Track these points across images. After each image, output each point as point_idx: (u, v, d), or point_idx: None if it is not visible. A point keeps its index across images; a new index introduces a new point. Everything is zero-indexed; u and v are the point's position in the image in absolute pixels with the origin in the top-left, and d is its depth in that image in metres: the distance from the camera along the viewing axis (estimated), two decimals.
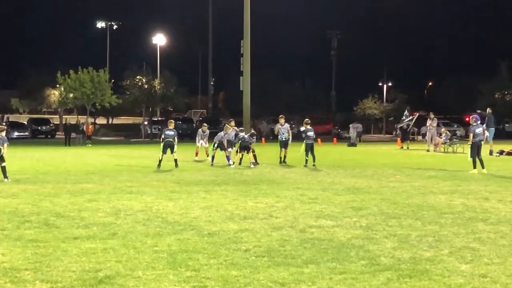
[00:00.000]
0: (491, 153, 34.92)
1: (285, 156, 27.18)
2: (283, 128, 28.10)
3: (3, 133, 20.17)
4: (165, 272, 8.10)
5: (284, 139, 27.44)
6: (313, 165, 25.33)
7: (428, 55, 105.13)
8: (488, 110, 37.25)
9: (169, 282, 7.63)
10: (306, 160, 25.26)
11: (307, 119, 26.89)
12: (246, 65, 56.82)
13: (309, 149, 25.47)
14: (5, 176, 19.29)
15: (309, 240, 10.26)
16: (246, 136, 26.68)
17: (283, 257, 8.98)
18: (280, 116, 29.17)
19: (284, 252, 9.35)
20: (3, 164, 19.55)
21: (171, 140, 24.73)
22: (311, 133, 25.88)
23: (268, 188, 17.59)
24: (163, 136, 25.39)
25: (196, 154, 29.98)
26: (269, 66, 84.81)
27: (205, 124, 32.31)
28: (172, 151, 24.65)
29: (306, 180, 20.14)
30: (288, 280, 7.73)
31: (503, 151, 35.05)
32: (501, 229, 11.18)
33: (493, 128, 36.61)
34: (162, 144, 24.90)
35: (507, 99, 77.71)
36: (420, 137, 55.50)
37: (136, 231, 11.00)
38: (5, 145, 19.72)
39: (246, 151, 26.22)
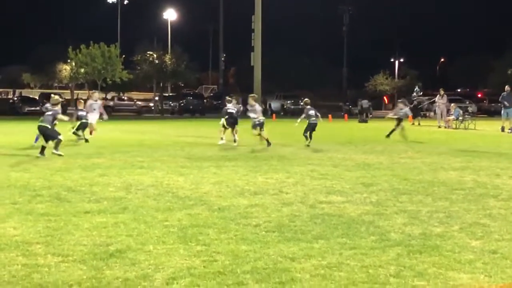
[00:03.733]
0: (502, 129, 34.82)
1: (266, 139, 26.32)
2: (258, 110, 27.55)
3: (58, 107, 19.90)
4: (175, 246, 8.13)
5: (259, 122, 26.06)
6: (307, 145, 23.69)
7: (441, 31, 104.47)
8: (507, 87, 36.97)
9: (180, 256, 7.66)
10: (306, 137, 24.11)
11: (306, 99, 25.71)
12: (257, 41, 56.70)
13: (310, 129, 24.34)
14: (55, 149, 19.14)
15: (319, 215, 10.27)
16: (233, 108, 25.26)
17: (293, 232, 9.00)
18: (251, 95, 28.46)
19: (294, 227, 9.36)
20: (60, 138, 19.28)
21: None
22: (312, 112, 24.48)
23: (278, 164, 17.59)
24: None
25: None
26: (280, 42, 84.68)
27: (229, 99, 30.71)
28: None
29: (317, 156, 20.12)
30: (298, 255, 7.75)
31: None
32: None
33: (510, 107, 36.24)
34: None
35: None
36: (431, 114, 55.33)
37: (147, 205, 11.03)
38: (59, 116, 19.71)
39: (232, 127, 24.72)
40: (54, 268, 7.12)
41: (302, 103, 25.75)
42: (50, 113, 19.39)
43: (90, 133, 26.02)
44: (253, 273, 6.99)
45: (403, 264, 7.38)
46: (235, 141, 24.36)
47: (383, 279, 6.85)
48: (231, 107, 25.16)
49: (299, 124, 24.62)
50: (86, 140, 24.50)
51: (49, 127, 19.05)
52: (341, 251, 7.97)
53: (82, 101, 26.89)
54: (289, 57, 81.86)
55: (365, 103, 53.85)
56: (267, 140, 23.53)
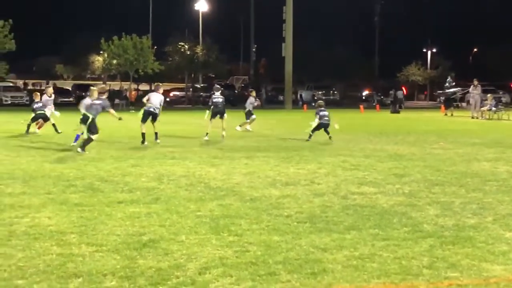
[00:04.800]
0: None
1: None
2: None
3: (104, 96, 19.03)
4: (207, 236, 8.17)
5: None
6: (329, 137, 22.36)
7: (476, 20, 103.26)
8: None
9: (212, 246, 7.70)
10: (310, 136, 23.64)
11: (320, 101, 25.05)
12: (288, 32, 56.65)
13: (323, 127, 22.58)
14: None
15: (351, 206, 10.25)
16: (220, 97, 23.32)
17: (325, 223, 9.00)
18: (251, 89, 28.77)
19: (326, 218, 9.35)
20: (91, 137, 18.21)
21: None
22: (325, 113, 23.67)
23: (309, 155, 17.57)
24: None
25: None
26: (312, 32, 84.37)
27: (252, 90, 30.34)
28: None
29: (348, 147, 20.06)
30: (330, 246, 7.74)
31: None
32: None
33: None
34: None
35: None
36: (464, 104, 54.85)
37: (179, 196, 11.09)
38: (110, 111, 19.13)
39: (220, 117, 23.08)
40: (88, 258, 7.20)
41: (315, 105, 24.75)
42: (98, 102, 18.47)
43: (39, 127, 24.81)
44: (285, 263, 7.00)
45: (436, 256, 7.35)
46: (223, 136, 22.75)
47: (416, 270, 6.83)
48: (218, 95, 23.35)
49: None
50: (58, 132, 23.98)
51: (94, 118, 18.20)
52: (373, 242, 7.95)
53: (38, 93, 26.08)
54: (321, 47, 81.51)
55: (399, 93, 53.60)
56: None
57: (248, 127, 26.84)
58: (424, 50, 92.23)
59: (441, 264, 7.01)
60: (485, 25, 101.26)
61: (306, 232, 8.48)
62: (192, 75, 75.33)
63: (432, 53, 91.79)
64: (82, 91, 68.40)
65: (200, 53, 71.23)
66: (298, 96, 71.19)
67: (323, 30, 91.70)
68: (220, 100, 23.15)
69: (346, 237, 8.20)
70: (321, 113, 22.85)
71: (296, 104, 64.56)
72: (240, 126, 26.67)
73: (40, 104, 24.51)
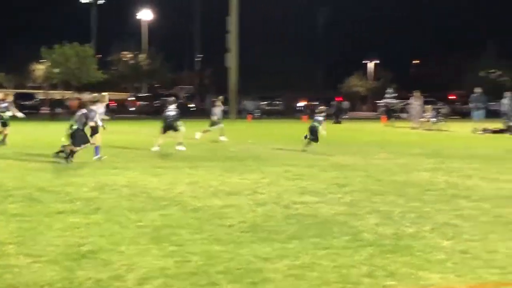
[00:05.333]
0: (474, 131, 35.14)
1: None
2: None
3: (95, 107, 18.50)
4: (148, 247, 8.13)
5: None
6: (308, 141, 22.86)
7: (415, 33, 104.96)
8: (478, 89, 37.48)
9: (153, 256, 7.66)
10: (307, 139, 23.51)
11: (321, 107, 25.12)
12: (232, 42, 56.66)
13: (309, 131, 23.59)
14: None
15: (293, 216, 10.31)
16: (171, 112, 22.30)
17: (267, 233, 9.03)
18: (219, 97, 28.96)
19: (268, 227, 9.39)
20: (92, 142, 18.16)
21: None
22: (318, 117, 23.70)
23: (253, 164, 17.61)
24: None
25: None
26: (257, 43, 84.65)
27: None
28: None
29: (292, 156, 20.19)
30: (272, 255, 7.78)
31: (487, 129, 35.25)
32: (482, 206, 11.26)
33: (483, 108, 36.87)
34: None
35: (492, 77, 78.14)
36: (405, 115, 55.62)
37: (121, 206, 11.01)
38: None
39: (174, 130, 22.15)
40: (26, 269, 7.09)
41: (317, 111, 24.61)
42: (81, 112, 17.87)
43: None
44: (226, 273, 7.01)
45: (375, 264, 7.45)
46: (158, 145, 21.67)
47: (355, 279, 6.90)
48: (171, 109, 22.44)
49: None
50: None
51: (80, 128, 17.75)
52: (315, 251, 8.01)
53: None
54: (267, 58, 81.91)
55: (345, 104, 54.27)
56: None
57: (222, 137, 26.69)
58: (366, 62, 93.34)
59: (380, 273, 7.10)
60: (425, 38, 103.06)
61: (248, 241, 8.51)
62: (136, 85, 74.85)
63: (373, 65, 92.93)
64: (22, 100, 67.30)
65: (144, 62, 70.84)
66: (242, 106, 71.30)
67: (269, 41, 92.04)
68: (172, 113, 22.28)
69: (287, 247, 8.25)
70: (316, 117, 23.36)
71: (240, 114, 64.60)
72: (202, 132, 26.76)
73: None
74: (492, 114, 42.68)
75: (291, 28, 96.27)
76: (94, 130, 18.55)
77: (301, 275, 7.00)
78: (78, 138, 17.61)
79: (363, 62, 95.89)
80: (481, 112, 36.76)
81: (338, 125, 46.44)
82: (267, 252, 7.95)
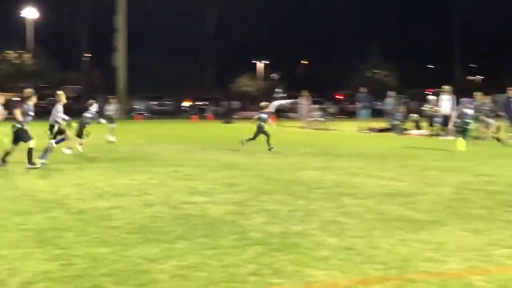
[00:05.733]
0: (360, 130, 36.03)
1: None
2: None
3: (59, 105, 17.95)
4: (32, 250, 7.93)
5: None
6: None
7: (304, 33, 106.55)
8: (363, 89, 38.51)
9: (36, 260, 7.48)
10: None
11: (262, 103, 25.17)
12: (120, 41, 56.04)
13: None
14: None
15: (182, 216, 10.28)
16: (92, 112, 22.76)
17: (155, 234, 8.97)
18: (111, 96, 28.79)
19: (156, 228, 9.33)
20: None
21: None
22: (262, 115, 23.83)
23: (142, 165, 17.48)
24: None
25: None
26: (146, 42, 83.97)
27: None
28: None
29: (181, 157, 20.14)
30: (159, 256, 7.73)
31: (373, 128, 36.20)
32: (367, 204, 11.54)
33: (369, 108, 37.97)
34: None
35: (377, 77, 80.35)
36: (294, 114, 56.44)
37: (4, 209, 10.70)
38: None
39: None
40: None
41: (261, 106, 24.54)
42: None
43: None
44: (112, 275, 6.91)
45: (262, 263, 7.51)
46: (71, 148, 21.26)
47: (242, 278, 6.94)
48: (92, 110, 22.72)
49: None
50: None
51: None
52: (202, 251, 8.01)
53: None
54: (156, 57, 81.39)
55: (235, 104, 54.41)
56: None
57: (111, 138, 26.27)
58: (256, 62, 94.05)
59: (267, 271, 7.17)
60: (313, 38, 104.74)
61: (134, 243, 8.42)
62: (22, 85, 72.72)
63: (263, 65, 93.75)
64: None
65: (29, 62, 69.02)
66: (132, 106, 70.58)
67: (158, 40, 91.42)
68: (90, 115, 22.69)
69: (175, 247, 8.21)
70: (261, 115, 23.36)
71: (129, 114, 63.95)
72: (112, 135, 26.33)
73: None
74: (377, 114, 43.84)
75: (181, 27, 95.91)
76: None
77: (189, 276, 6.98)
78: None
79: (253, 62, 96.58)
80: (367, 112, 37.79)
81: (228, 125, 46.64)
82: (154, 253, 7.89)
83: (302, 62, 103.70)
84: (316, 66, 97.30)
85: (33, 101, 17.44)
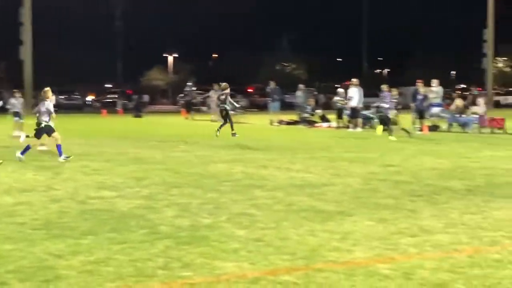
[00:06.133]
0: (271, 122, 36.27)
1: None
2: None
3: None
4: None
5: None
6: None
7: (214, 27, 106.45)
8: (272, 82, 38.82)
9: None
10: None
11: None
12: (26, 34, 54.79)
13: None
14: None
15: (89, 211, 10.14)
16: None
17: (61, 229, 8.82)
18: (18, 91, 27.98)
19: (63, 224, 9.18)
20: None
21: None
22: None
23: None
24: None
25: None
26: (53, 35, 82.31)
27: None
28: None
29: (90, 151, 19.84)
30: (65, 252, 7.60)
31: (283, 121, 36.50)
32: (276, 195, 11.65)
33: (278, 100, 38.30)
34: None
35: (287, 71, 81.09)
36: (205, 108, 56.33)
37: None
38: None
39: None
40: None
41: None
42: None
43: None
44: (17, 272, 6.77)
45: (171, 256, 7.48)
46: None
47: (150, 271, 6.90)
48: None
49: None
50: None
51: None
52: (110, 246, 7.92)
53: None
54: (64, 51, 79.83)
55: (145, 97, 53.85)
56: None
57: (18, 133, 25.38)
58: (166, 55, 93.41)
59: (176, 264, 7.15)
60: (223, 31, 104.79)
61: (40, 239, 8.26)
62: None
63: (173, 58, 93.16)
64: None
65: None
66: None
67: (65, 33, 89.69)
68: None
69: (82, 243, 8.10)
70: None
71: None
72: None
73: None
74: (287, 106, 44.24)
75: (90, 19, 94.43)
76: None
77: (96, 271, 6.90)
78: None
79: (164, 55, 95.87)
80: (277, 104, 38.11)
81: (139, 118, 46.19)
82: (60, 248, 7.76)
83: (213, 55, 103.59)
84: (227, 59, 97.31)
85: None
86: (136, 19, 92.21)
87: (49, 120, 17.35)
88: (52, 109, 17.55)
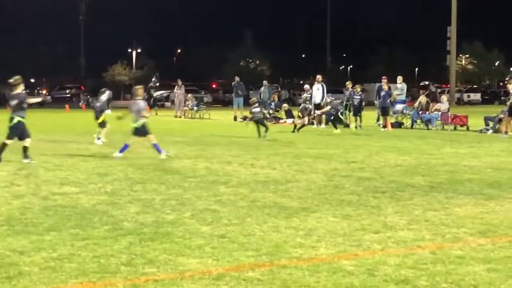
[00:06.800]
0: (235, 118, 36.25)
1: None
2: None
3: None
4: None
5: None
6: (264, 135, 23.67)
7: (178, 23, 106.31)
8: (237, 78, 38.82)
9: None
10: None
11: (253, 99, 25.29)
12: None
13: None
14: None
15: (52, 207, 10.05)
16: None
17: (24, 225, 8.73)
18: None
19: (25, 220, 9.09)
20: None
21: None
22: (257, 109, 24.36)
23: (9, 157, 16.89)
24: None
25: None
26: (14, 29, 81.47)
27: None
28: None
29: (52, 147, 19.67)
30: (28, 248, 7.53)
31: (247, 117, 36.49)
32: (240, 191, 11.65)
33: (242, 96, 38.31)
34: None
35: (251, 67, 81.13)
36: (169, 104, 56.20)
37: None
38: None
39: None
40: None
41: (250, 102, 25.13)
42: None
43: None
44: None
45: (134, 252, 7.44)
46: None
47: (114, 268, 6.86)
48: None
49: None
50: None
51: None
52: (73, 242, 7.86)
53: None
54: (24, 45, 79.04)
55: (108, 93, 53.23)
56: None
57: None
58: (129, 50, 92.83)
59: (139, 261, 7.11)
60: (188, 27, 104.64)
61: (3, 235, 8.18)
62: None
63: (137, 53, 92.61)
64: None
65: None
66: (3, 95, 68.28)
67: (27, 27, 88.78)
68: None
69: (45, 239, 8.02)
70: (254, 109, 24.01)
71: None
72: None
73: None
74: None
75: (53, 14, 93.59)
76: None
77: (59, 267, 6.84)
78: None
79: (128, 50, 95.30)
80: (241, 100, 38.10)
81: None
82: (23, 245, 7.69)
83: (178, 51, 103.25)
84: (191, 55, 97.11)
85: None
86: (100, 14, 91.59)
87: (141, 119, 17.19)
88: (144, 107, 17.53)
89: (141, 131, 17.00)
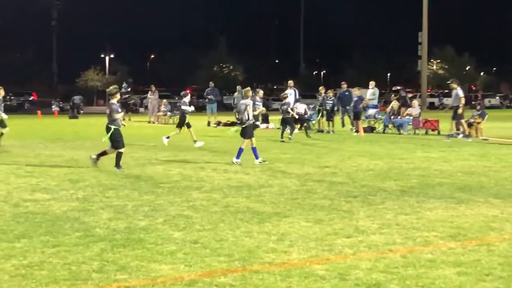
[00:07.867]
0: (209, 124, 36.24)
1: None
2: None
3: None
4: None
5: None
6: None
7: (151, 28, 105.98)
8: (211, 83, 38.83)
9: None
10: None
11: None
12: None
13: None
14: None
15: (23, 214, 9.98)
16: None
17: None
18: None
19: None
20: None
21: None
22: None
23: None
24: None
25: None
26: None
27: None
28: None
29: (23, 153, 19.49)
30: None
31: (220, 122, 36.52)
32: (214, 197, 11.65)
33: (216, 101, 38.32)
34: None
35: (225, 72, 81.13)
36: (142, 109, 56.00)
37: None
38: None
39: None
40: None
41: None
42: None
43: None
44: None
45: (106, 259, 7.42)
46: None
47: (85, 275, 6.83)
48: None
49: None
50: None
51: None
52: (44, 250, 7.82)
53: None
54: None
55: (76, 98, 52.98)
56: None
57: None
58: (102, 56, 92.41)
59: (111, 267, 7.09)
60: (162, 32, 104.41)
61: None
62: None
63: (110, 59, 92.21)
64: None
65: None
66: None
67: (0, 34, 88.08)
68: None
69: (15, 246, 7.98)
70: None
71: None
72: None
73: None
74: (225, 108, 44.24)
75: (25, 20, 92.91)
76: None
77: (29, 275, 6.80)
78: None
79: (101, 56, 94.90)
80: (214, 106, 38.09)
81: (75, 120, 45.58)
82: None
83: (151, 56, 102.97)
84: (164, 60, 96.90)
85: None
86: (73, 19, 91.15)
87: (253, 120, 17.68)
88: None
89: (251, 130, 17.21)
